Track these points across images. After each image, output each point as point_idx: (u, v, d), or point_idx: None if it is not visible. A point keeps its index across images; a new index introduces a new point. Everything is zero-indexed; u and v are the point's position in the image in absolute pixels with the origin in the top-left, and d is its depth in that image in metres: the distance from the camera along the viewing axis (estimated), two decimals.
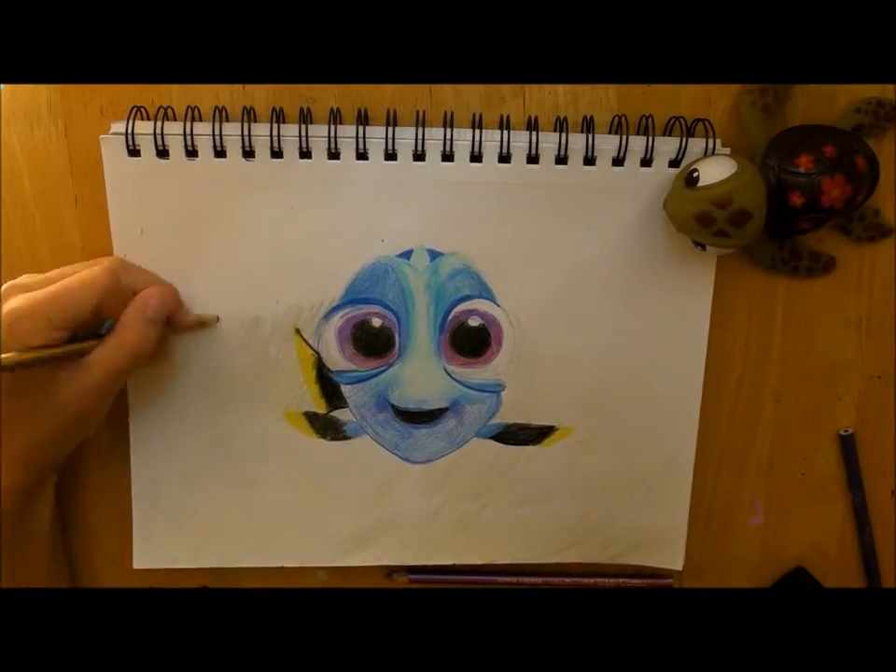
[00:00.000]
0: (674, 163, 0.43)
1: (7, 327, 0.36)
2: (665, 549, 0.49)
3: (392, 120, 0.42)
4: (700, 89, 0.43)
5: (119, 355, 0.38)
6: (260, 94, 0.43)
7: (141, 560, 0.47)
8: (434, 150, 0.42)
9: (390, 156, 0.42)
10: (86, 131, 0.42)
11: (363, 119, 0.42)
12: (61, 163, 0.43)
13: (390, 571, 0.50)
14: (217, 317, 0.44)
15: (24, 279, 0.39)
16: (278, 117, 0.42)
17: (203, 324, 0.44)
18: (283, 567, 0.48)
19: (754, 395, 0.48)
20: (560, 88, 0.43)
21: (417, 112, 0.42)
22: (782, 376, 0.48)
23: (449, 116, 0.42)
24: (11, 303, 0.37)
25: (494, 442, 0.47)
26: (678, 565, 0.49)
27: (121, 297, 0.39)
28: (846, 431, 0.48)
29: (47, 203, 0.44)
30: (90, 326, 0.39)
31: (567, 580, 0.50)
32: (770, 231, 0.42)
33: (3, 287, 0.38)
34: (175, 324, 0.42)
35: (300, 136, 0.41)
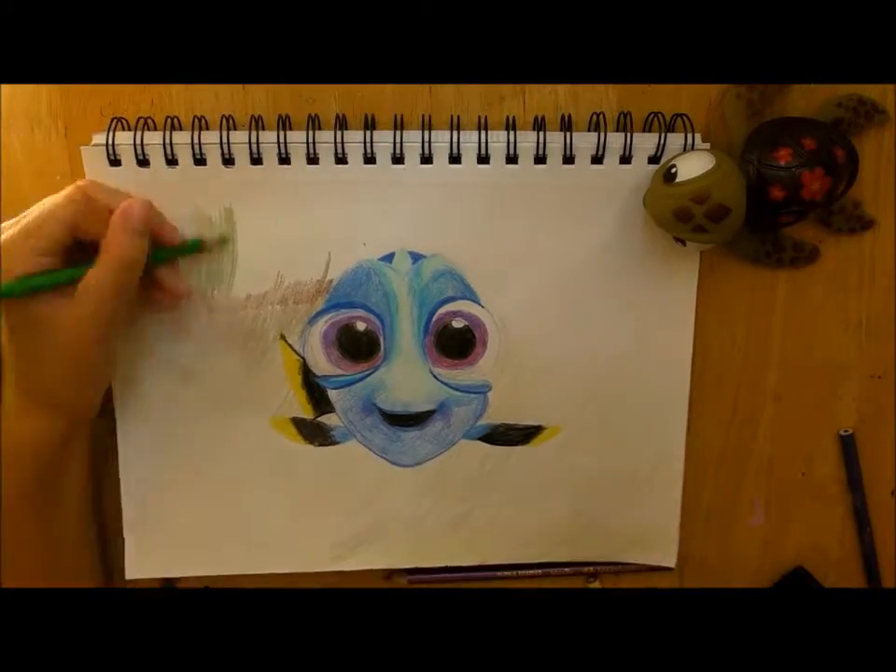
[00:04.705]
0: (653, 160, 0.42)
1: None
2: (657, 546, 0.49)
3: (370, 125, 0.43)
4: (700, 88, 0.43)
5: (109, 271, 0.38)
6: (260, 97, 0.43)
7: (133, 570, 0.47)
8: (413, 153, 0.42)
9: (369, 160, 0.42)
10: (86, 131, 0.42)
11: (341, 124, 0.42)
12: (61, 163, 0.43)
13: (390, 573, 0.50)
14: (225, 238, 0.43)
15: (3, 225, 0.39)
16: (257, 123, 0.42)
17: (206, 246, 0.42)
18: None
19: (754, 395, 0.48)
20: (561, 87, 0.43)
21: (396, 116, 0.43)
22: (782, 376, 0.48)
23: (427, 119, 0.43)
24: None
25: (482, 443, 0.47)
26: (670, 562, 0.49)
27: (99, 216, 0.38)
28: (846, 431, 0.48)
29: None
30: (80, 253, 0.39)
31: (567, 569, 0.50)
32: (752, 226, 0.42)
33: None
34: (162, 240, 0.41)
35: (278, 143, 0.42)
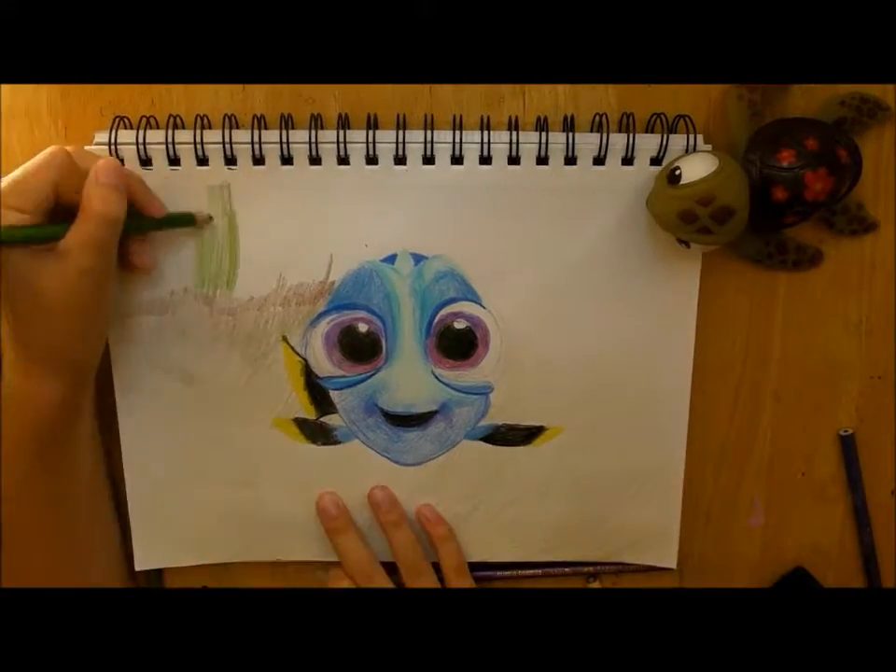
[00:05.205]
0: (655, 161, 0.42)
1: None
2: (658, 546, 0.49)
3: (373, 124, 0.42)
4: (700, 88, 0.43)
5: (87, 227, 0.38)
6: (260, 97, 0.43)
7: (142, 561, 0.48)
8: (415, 154, 0.42)
9: (371, 160, 0.42)
10: (86, 131, 0.42)
11: (344, 124, 0.42)
12: None
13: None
14: (209, 217, 0.43)
15: None
16: (259, 123, 0.42)
17: (196, 221, 0.43)
18: (282, 567, 0.48)
19: (754, 395, 0.48)
20: (561, 88, 0.43)
21: (398, 116, 0.42)
22: (782, 376, 0.48)
23: (430, 119, 0.42)
24: None
25: (484, 444, 0.47)
26: (671, 563, 0.49)
27: (81, 180, 0.39)
28: (846, 431, 0.48)
29: None
30: (61, 216, 0.39)
31: (567, 569, 0.50)
32: (755, 227, 0.42)
33: None
34: (144, 207, 0.41)
35: (280, 143, 0.42)
